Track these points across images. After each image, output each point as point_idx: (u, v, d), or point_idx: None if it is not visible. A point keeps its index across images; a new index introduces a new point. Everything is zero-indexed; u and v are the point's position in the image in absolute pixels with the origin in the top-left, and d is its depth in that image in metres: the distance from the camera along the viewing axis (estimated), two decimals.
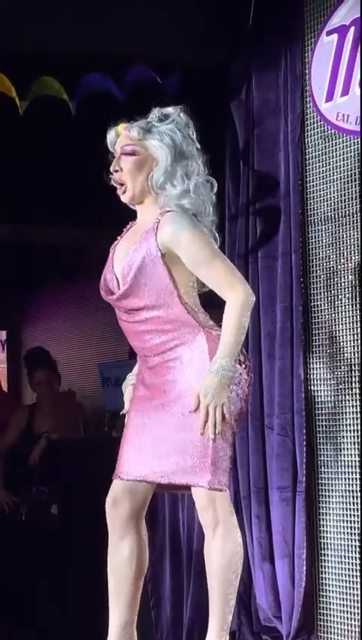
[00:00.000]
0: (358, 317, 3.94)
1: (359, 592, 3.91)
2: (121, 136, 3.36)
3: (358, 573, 3.92)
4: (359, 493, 3.89)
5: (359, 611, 3.90)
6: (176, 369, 3.29)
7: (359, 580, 3.91)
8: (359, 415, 3.91)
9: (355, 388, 3.94)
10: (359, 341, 3.93)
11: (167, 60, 4.25)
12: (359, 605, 3.90)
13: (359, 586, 3.91)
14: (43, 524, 5.43)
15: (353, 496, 3.94)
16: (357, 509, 3.91)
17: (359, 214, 3.95)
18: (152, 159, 3.32)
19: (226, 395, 3.23)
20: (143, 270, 3.27)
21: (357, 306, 3.94)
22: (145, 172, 3.33)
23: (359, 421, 3.91)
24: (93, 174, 3.65)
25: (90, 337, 7.72)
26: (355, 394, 3.94)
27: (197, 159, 3.33)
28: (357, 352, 3.94)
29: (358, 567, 3.92)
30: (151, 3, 4.17)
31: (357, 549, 3.93)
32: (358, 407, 3.92)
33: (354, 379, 3.96)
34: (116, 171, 3.36)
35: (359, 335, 3.93)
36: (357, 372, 3.94)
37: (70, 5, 4.03)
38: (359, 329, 3.93)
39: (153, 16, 4.20)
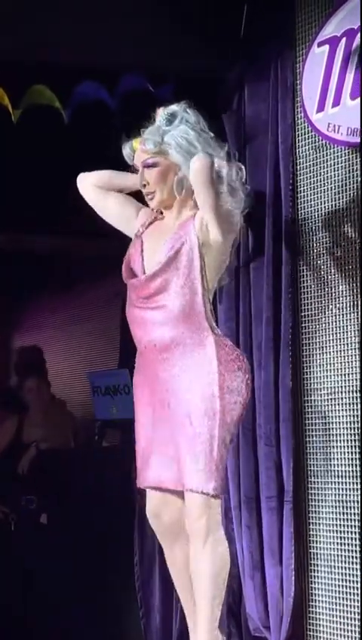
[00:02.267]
0: (348, 327, 3.94)
1: (348, 602, 3.91)
2: (137, 151, 3.41)
3: (347, 584, 3.92)
4: (353, 504, 3.89)
5: (348, 621, 3.90)
6: (181, 369, 3.30)
7: (348, 590, 3.91)
8: (350, 425, 3.92)
9: (346, 398, 3.95)
10: (350, 351, 3.94)
11: (160, 69, 4.26)
12: (348, 615, 3.90)
13: (348, 596, 3.91)
14: (32, 534, 5.41)
15: (343, 507, 3.94)
16: (348, 519, 3.91)
17: (350, 225, 3.96)
18: (174, 165, 3.36)
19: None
20: (180, 255, 3.31)
21: (348, 315, 3.95)
22: (171, 178, 3.38)
23: (350, 431, 3.92)
24: None
25: (79, 346, 7.69)
26: (346, 404, 3.94)
27: (216, 151, 3.35)
28: (348, 361, 3.94)
29: (348, 578, 3.92)
30: (145, 13, 4.18)
31: (347, 559, 3.93)
32: (349, 417, 3.93)
33: (344, 389, 3.96)
34: (144, 185, 3.41)
35: (349, 345, 3.94)
36: (348, 382, 3.95)
37: (63, 14, 4.03)
38: (349, 339, 3.94)
39: (146, 26, 4.20)
